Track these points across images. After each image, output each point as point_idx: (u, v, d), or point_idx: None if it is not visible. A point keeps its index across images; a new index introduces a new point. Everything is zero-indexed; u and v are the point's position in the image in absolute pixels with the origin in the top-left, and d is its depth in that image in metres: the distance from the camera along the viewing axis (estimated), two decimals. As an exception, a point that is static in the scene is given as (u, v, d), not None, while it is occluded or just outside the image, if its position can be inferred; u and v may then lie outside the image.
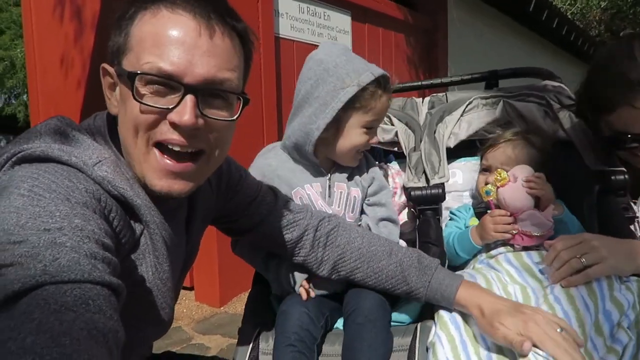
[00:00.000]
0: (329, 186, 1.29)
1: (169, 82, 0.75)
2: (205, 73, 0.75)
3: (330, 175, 1.30)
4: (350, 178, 1.31)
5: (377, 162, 1.44)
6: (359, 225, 1.29)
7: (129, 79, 0.75)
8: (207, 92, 0.77)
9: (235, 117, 0.82)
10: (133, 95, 0.74)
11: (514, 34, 7.01)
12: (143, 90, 0.75)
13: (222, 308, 3.18)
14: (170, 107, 0.75)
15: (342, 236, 1.14)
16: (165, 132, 0.76)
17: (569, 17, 8.99)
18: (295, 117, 1.25)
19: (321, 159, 1.28)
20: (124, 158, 0.83)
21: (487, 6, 6.14)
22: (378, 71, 1.20)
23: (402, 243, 1.40)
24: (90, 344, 0.53)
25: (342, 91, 1.16)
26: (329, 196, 1.28)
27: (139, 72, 0.74)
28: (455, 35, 5.41)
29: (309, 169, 1.28)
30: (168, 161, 0.78)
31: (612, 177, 1.22)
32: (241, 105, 0.83)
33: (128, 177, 0.81)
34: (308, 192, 1.26)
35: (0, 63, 8.43)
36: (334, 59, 1.19)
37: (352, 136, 1.23)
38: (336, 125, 1.21)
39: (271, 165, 1.30)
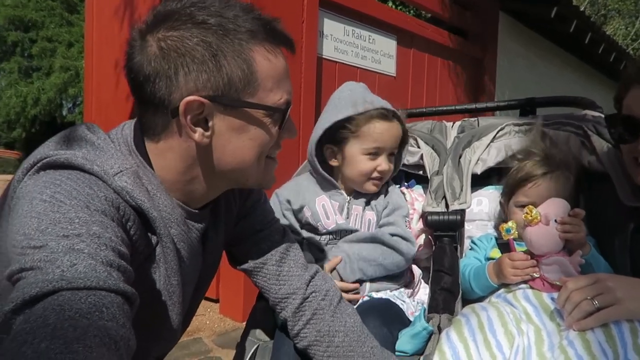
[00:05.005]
0: (348, 208, 1.34)
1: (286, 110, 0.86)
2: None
3: (350, 198, 1.36)
4: (367, 203, 1.36)
5: (397, 186, 1.47)
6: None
7: (273, 111, 0.83)
8: None
9: None
10: (278, 124, 0.85)
11: (568, 66, 6.78)
12: (267, 119, 0.84)
13: (244, 322, 3.16)
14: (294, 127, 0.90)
15: (326, 322, 1.03)
16: (276, 148, 0.90)
17: (631, 52, 8.61)
18: None
19: (344, 186, 1.37)
20: (150, 168, 0.85)
21: (541, 37, 5.98)
22: (378, 104, 1.27)
23: (417, 270, 1.35)
24: (102, 351, 0.55)
25: (335, 117, 1.27)
26: (347, 217, 1.33)
27: (281, 107, 0.84)
28: (505, 65, 5.28)
29: (332, 192, 1.36)
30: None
31: (649, 215, 1.11)
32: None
33: (150, 189, 0.83)
34: (331, 201, 1.33)
35: (67, 72, 9.01)
36: (338, 94, 1.32)
37: (356, 163, 1.30)
38: (342, 154, 1.31)
39: (302, 184, 1.39)
